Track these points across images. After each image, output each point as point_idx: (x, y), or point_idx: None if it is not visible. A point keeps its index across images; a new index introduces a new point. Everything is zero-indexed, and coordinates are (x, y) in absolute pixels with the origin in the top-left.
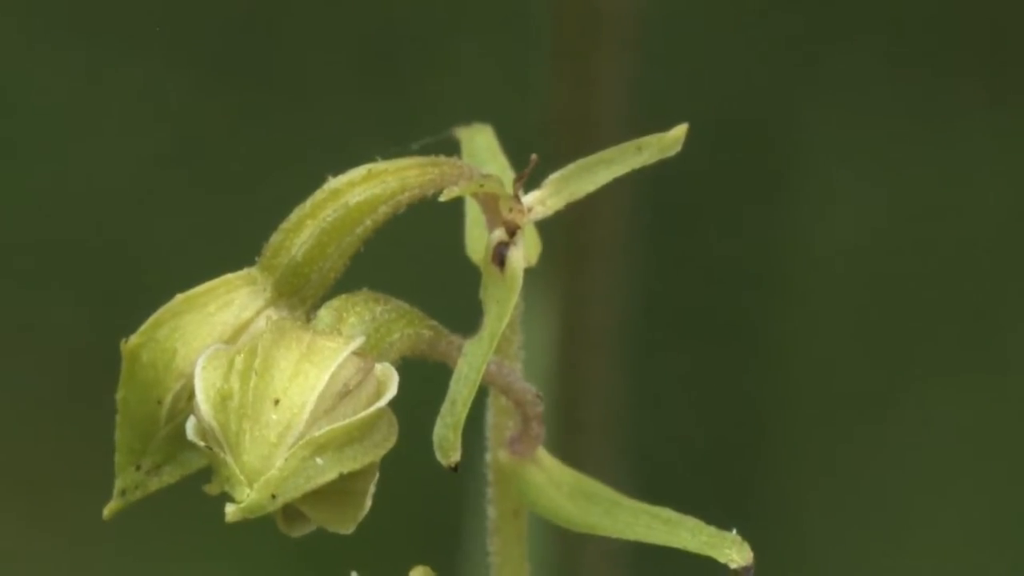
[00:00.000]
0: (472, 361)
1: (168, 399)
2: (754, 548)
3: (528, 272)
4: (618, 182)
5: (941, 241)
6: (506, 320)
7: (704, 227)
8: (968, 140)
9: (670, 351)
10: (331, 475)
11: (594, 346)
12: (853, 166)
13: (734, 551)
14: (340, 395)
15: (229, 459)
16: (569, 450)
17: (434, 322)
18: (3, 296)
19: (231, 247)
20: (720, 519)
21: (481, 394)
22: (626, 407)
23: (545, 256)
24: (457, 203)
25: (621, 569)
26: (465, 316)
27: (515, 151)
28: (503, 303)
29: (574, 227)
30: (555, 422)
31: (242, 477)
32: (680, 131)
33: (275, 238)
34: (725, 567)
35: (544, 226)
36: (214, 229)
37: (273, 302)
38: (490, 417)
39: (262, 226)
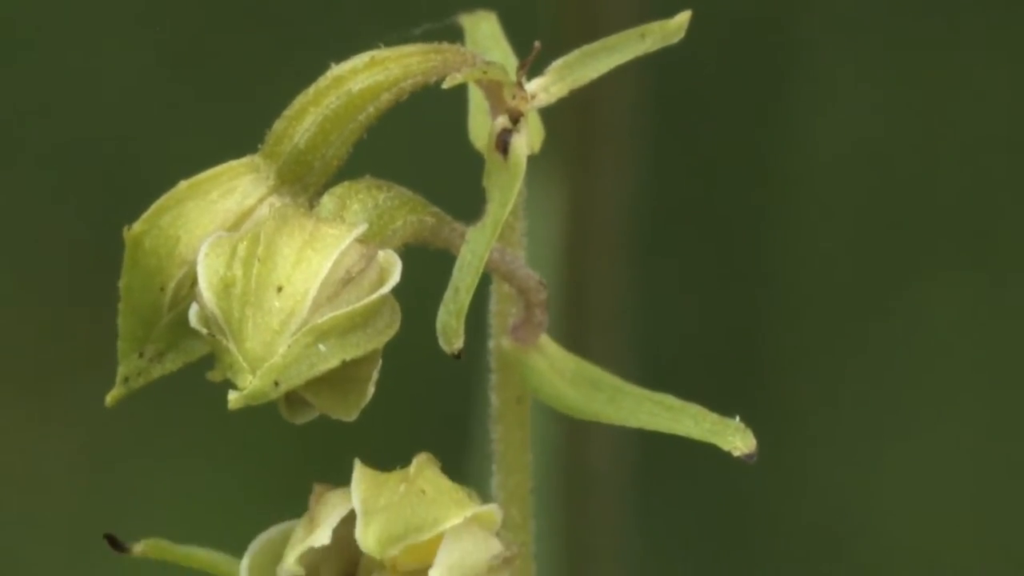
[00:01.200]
0: (475, 248)
1: (171, 286)
2: (756, 436)
3: (532, 159)
4: (623, 76)
5: (940, 142)
6: (509, 207)
7: (707, 123)
8: (969, 43)
9: (673, 243)
10: (334, 362)
11: (599, 234)
12: (855, 67)
13: (737, 438)
14: (343, 282)
15: (232, 346)
16: (573, 338)
17: (437, 209)
18: (4, 191)
19: (232, 141)
20: (723, 408)
21: (484, 281)
22: (630, 296)
23: (551, 145)
24: (460, 90)
25: (625, 457)
26: (468, 203)
27: (518, 38)
28: (506, 190)
29: (581, 117)
30: (560, 310)
31: (245, 364)
32: (683, 18)
33: (278, 125)
34: (728, 454)
35: (550, 115)
36: (215, 124)
37: (276, 189)
38: (493, 304)
39: (265, 118)
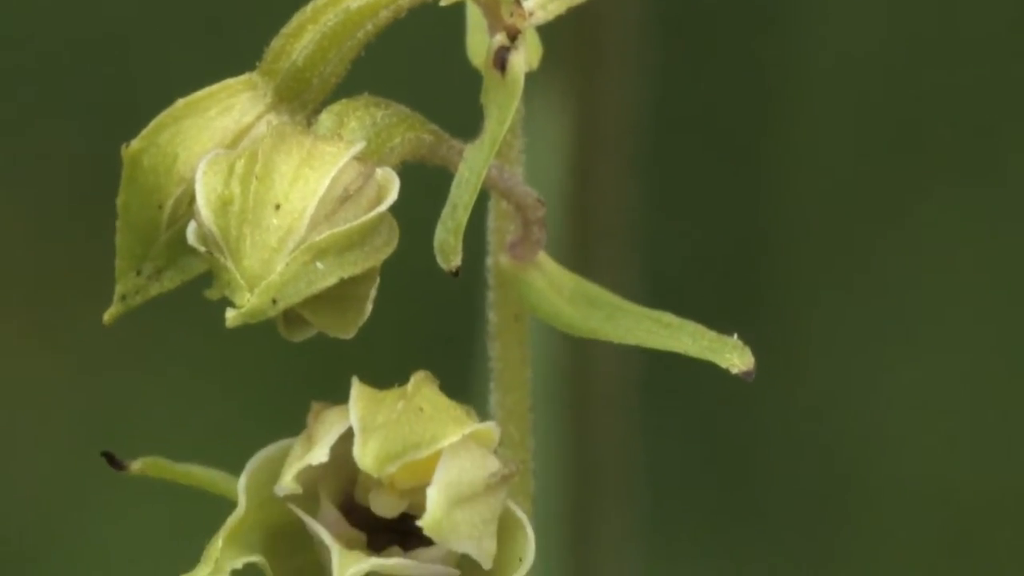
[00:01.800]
0: (473, 165)
1: (169, 204)
2: (754, 354)
3: (530, 77)
4: None
5: (943, 56)
6: (507, 124)
7: (710, 39)
8: None
9: (674, 159)
10: (332, 280)
11: (599, 151)
12: None
13: (735, 356)
14: (341, 200)
15: (230, 264)
16: (574, 255)
17: (435, 127)
18: (3, 106)
19: (230, 59)
20: (724, 325)
21: (482, 198)
22: (631, 212)
23: (550, 62)
24: (458, 8)
25: (626, 373)
26: (466, 121)
27: None
28: (504, 107)
29: (580, 33)
30: (560, 227)
31: (243, 282)
32: None
33: (276, 43)
34: (726, 371)
35: (550, 33)
36: (213, 42)
37: (274, 107)
38: (491, 221)
39: (263, 36)
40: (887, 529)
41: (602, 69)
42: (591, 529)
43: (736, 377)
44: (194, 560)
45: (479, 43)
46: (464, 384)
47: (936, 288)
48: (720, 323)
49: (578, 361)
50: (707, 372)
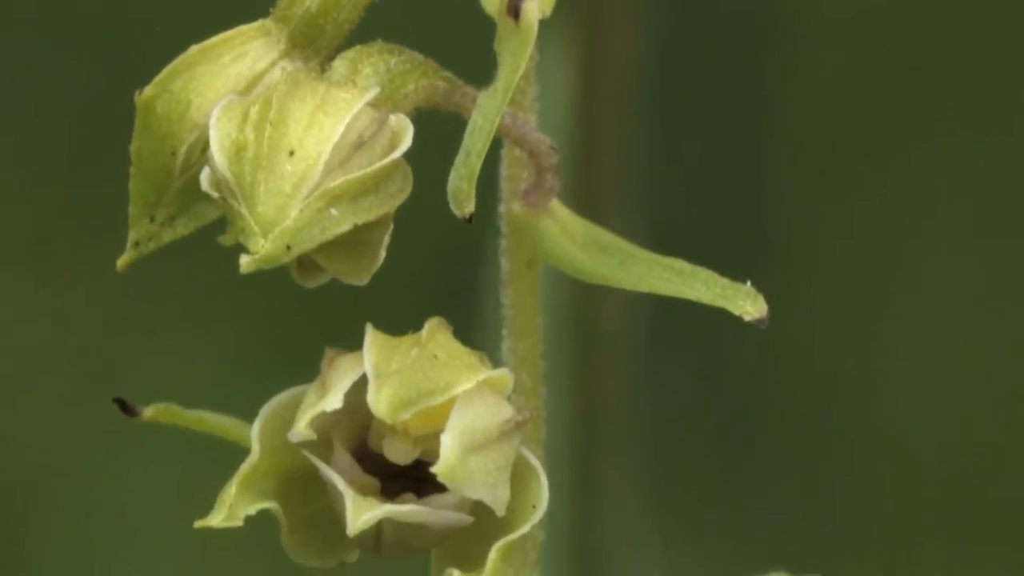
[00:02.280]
0: (486, 112)
1: (182, 150)
2: (766, 301)
3: (543, 24)
4: None
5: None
6: (520, 71)
7: None
8: None
9: (682, 105)
10: (345, 226)
11: (610, 98)
12: None
13: (748, 303)
14: (355, 146)
15: (243, 210)
16: (584, 203)
17: (448, 73)
18: (12, 53)
19: (244, 5)
20: (733, 273)
21: (495, 145)
22: (640, 159)
23: (563, 9)
24: None
25: (636, 322)
26: (480, 68)
27: None
28: (517, 55)
29: None
30: (570, 174)
31: (256, 228)
32: None
33: None
34: (739, 319)
35: None
36: None
37: (287, 53)
38: (504, 168)
39: None
40: (890, 478)
41: (607, 17)
42: (595, 477)
43: (740, 325)
44: (207, 507)
45: None
46: (471, 329)
47: (937, 226)
48: (724, 263)
49: (584, 308)
50: (712, 320)
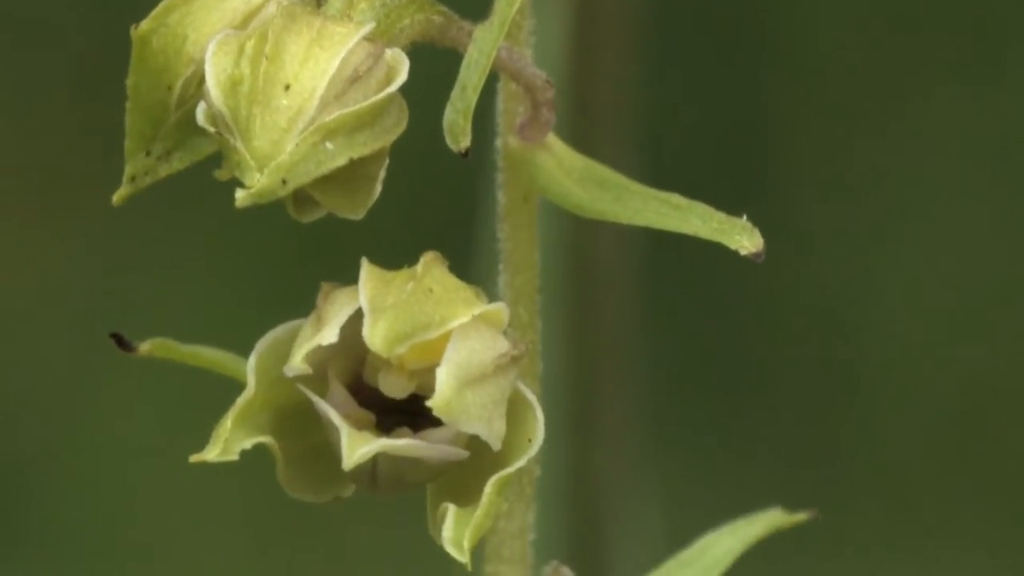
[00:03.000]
0: (482, 47)
1: (178, 85)
2: (763, 236)
3: None
4: None
5: None
6: (516, 5)
7: None
8: None
9: (678, 40)
10: (341, 160)
11: (605, 32)
12: None
13: (744, 237)
14: (350, 80)
15: (239, 144)
16: (580, 137)
17: (444, 8)
18: None
19: None
20: (730, 208)
21: (491, 80)
22: (637, 93)
23: None
24: None
25: (632, 256)
26: (476, 2)
27: None
28: None
29: None
30: (567, 108)
31: (252, 162)
32: None
33: None
34: (735, 253)
35: None
36: None
37: None
38: (500, 103)
39: None
40: (889, 416)
41: None
42: (591, 413)
43: (737, 260)
44: (203, 442)
45: None
46: (467, 263)
47: (937, 172)
48: (720, 205)
49: (580, 243)
50: (709, 255)
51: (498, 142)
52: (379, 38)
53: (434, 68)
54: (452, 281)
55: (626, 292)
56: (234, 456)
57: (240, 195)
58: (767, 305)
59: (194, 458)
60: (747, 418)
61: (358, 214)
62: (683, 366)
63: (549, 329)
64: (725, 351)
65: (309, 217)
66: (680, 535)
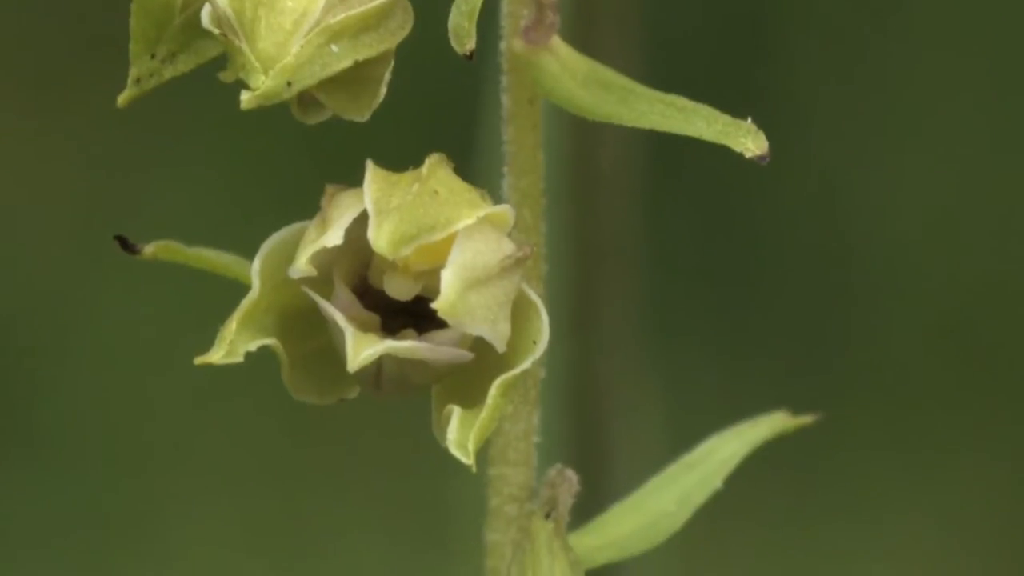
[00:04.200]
0: None
1: None
2: (767, 138)
3: None
4: None
5: None
6: None
7: None
8: None
9: None
10: (346, 62)
11: None
12: None
13: (749, 140)
14: None
15: (244, 46)
16: (584, 39)
17: None
18: None
19: None
20: (734, 110)
21: None
22: None
23: None
24: None
25: (637, 158)
26: None
27: None
28: None
29: None
30: (572, 11)
31: (257, 64)
32: None
33: None
34: (740, 156)
35: None
36: None
37: None
38: (505, 5)
39: None
40: (891, 317)
41: None
42: (595, 315)
43: (742, 162)
44: (207, 344)
45: None
46: (472, 165)
47: (937, 69)
48: (724, 107)
49: (585, 144)
50: (714, 150)
51: (503, 45)
52: None
53: None
54: (457, 183)
55: (630, 194)
56: (239, 358)
57: (245, 97)
58: (769, 205)
59: (199, 360)
60: (750, 318)
61: (363, 116)
62: (686, 267)
63: (553, 231)
64: (728, 251)
65: (314, 119)
66: (684, 436)
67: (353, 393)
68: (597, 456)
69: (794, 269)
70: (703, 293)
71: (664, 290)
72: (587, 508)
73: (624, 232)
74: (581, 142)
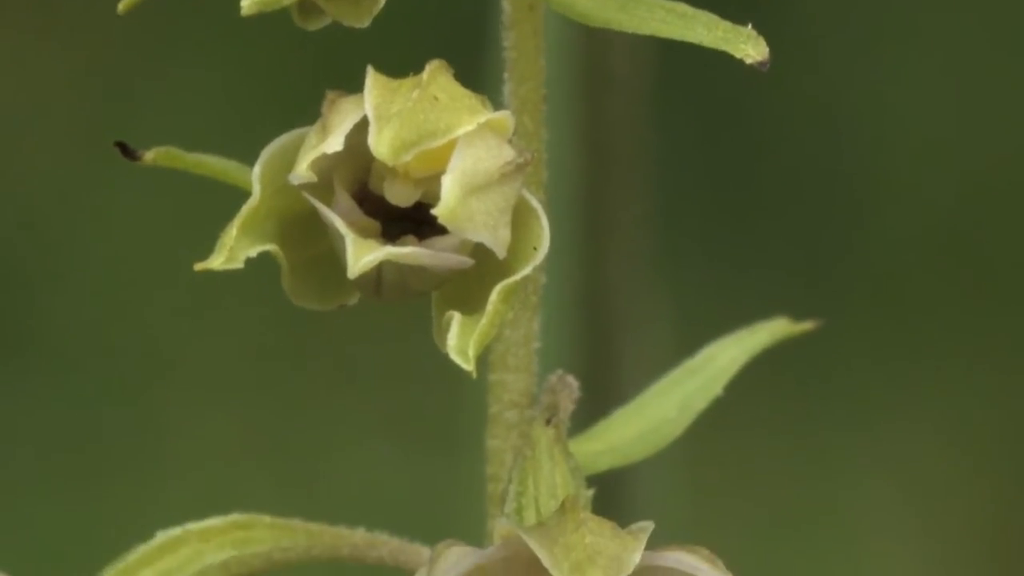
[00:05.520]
0: None
1: None
2: (768, 44)
3: None
4: None
5: None
6: None
7: None
8: None
9: None
10: None
11: None
12: None
13: (749, 46)
14: None
15: None
16: None
17: None
18: None
19: None
20: (733, 16)
21: None
22: None
23: None
24: None
25: (643, 63)
26: None
27: None
28: None
29: None
30: None
31: None
32: None
33: None
34: (741, 62)
35: None
36: None
37: None
38: None
39: None
40: (891, 225)
41: None
42: (601, 221)
43: (743, 69)
44: (207, 250)
45: None
46: (472, 71)
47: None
48: (725, 14)
49: (591, 50)
50: (718, 62)
51: None
52: None
53: None
54: (458, 89)
55: (635, 101)
56: (239, 264)
57: (246, 2)
58: (772, 112)
59: (199, 266)
60: (754, 225)
61: (363, 22)
62: (690, 174)
63: (556, 138)
64: (731, 159)
65: (315, 25)
66: (689, 343)
67: (353, 299)
68: (605, 364)
69: (797, 174)
70: (709, 200)
71: (670, 197)
72: (596, 416)
73: (631, 139)
74: (591, 48)
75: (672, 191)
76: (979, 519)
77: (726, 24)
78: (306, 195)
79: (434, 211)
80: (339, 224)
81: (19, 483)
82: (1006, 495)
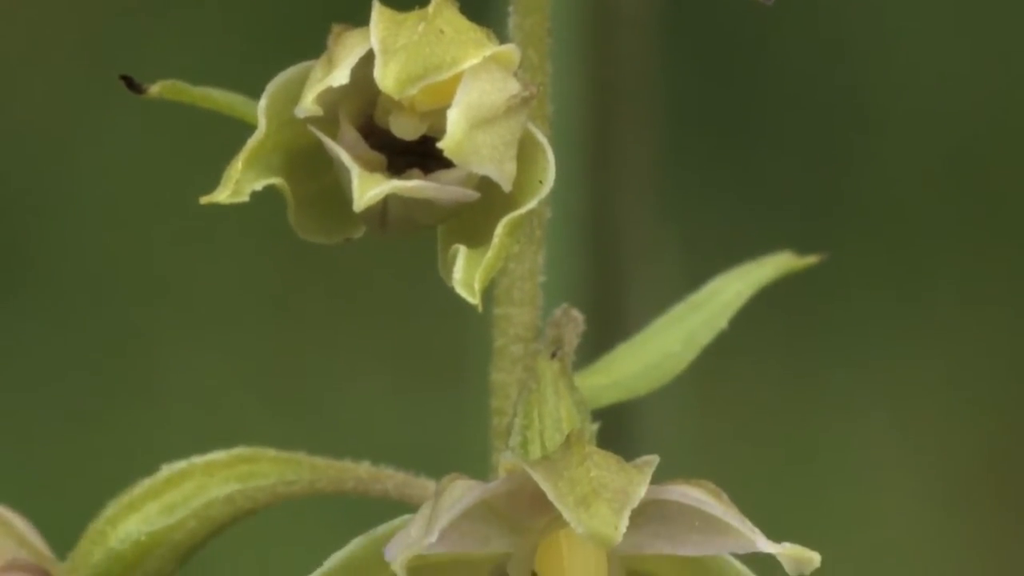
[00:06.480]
0: None
1: None
2: None
3: None
4: None
5: None
6: None
7: None
8: None
9: None
10: None
11: None
12: None
13: None
14: None
15: None
16: None
17: None
18: None
19: None
20: None
21: None
22: None
23: None
24: None
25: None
26: None
27: None
28: None
29: None
30: None
31: None
32: None
33: None
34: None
35: None
36: None
37: None
38: None
39: None
40: (896, 157)
41: None
42: (608, 155)
43: (754, 1)
44: (214, 183)
45: None
46: (477, 4)
47: None
48: None
49: None
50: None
51: None
52: None
53: None
54: (463, 22)
55: (642, 35)
56: (245, 197)
57: None
58: (779, 48)
59: (205, 199)
60: (760, 158)
61: None
62: (697, 107)
63: (562, 72)
64: (737, 91)
65: None
66: (695, 277)
67: (359, 233)
68: (610, 298)
69: (802, 107)
70: (716, 135)
71: (676, 130)
72: (601, 350)
73: (638, 72)
74: None
75: (678, 125)
76: (978, 453)
77: None
78: (312, 128)
79: (440, 144)
80: (345, 157)
81: (18, 416)
82: (1005, 428)
